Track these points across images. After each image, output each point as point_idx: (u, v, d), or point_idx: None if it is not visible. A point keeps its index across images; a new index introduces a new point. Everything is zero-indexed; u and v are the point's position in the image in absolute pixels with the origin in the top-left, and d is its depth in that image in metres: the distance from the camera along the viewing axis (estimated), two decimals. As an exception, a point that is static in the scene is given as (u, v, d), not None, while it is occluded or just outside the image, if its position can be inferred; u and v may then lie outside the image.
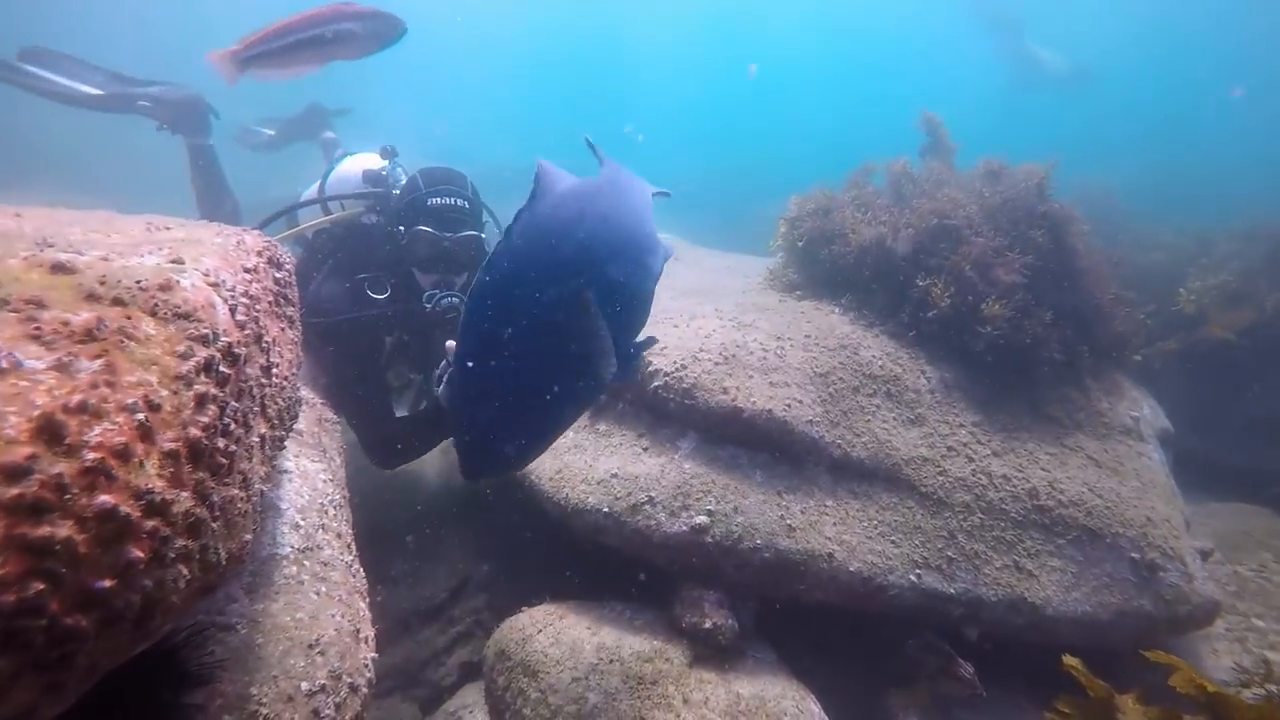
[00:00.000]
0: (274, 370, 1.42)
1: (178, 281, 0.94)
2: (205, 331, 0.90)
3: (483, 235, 3.30)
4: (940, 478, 3.00)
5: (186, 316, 0.89)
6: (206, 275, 1.03)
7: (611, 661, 2.45)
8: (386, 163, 3.63)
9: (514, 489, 3.33)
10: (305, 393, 3.06)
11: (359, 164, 3.72)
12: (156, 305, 0.87)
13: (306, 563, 1.94)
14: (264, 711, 1.45)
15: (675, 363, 2.93)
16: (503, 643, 2.65)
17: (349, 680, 1.67)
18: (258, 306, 1.28)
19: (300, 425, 2.69)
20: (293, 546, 1.94)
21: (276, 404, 1.42)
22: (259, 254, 1.53)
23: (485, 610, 3.45)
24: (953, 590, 2.74)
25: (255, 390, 1.20)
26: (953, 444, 3.13)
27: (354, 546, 2.32)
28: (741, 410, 2.77)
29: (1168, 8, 21.50)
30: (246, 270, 1.23)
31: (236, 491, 0.98)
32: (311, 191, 3.86)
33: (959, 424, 3.22)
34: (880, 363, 3.25)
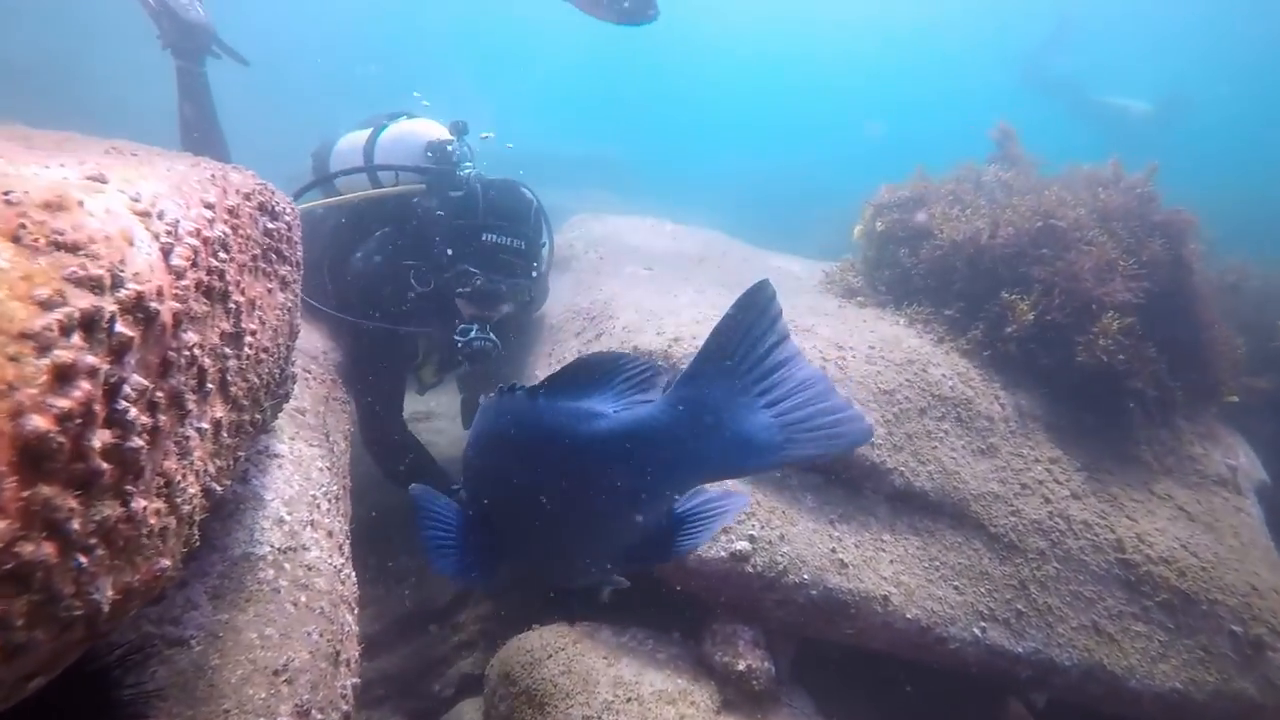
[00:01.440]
0: (247, 339, 1.13)
1: (80, 202, 0.65)
2: (98, 273, 0.61)
3: (528, 284, 3.07)
4: (1012, 518, 2.64)
5: (73, 249, 0.60)
6: (135, 201, 0.74)
7: (629, 700, 2.15)
8: (455, 139, 3.26)
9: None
10: (313, 366, 2.81)
11: (420, 131, 3.38)
12: (25, 227, 0.58)
13: (287, 565, 1.66)
14: (206, 758, 1.17)
15: (723, 365, 2.61)
16: (508, 664, 2.36)
17: (319, 717, 1.39)
18: (226, 256, 1.00)
19: (304, 403, 2.43)
20: (272, 545, 1.66)
21: (248, 381, 1.14)
22: (245, 195, 1.25)
23: (492, 619, 3.17)
24: (1021, 649, 2.39)
25: (207, 364, 0.91)
26: (1027, 481, 2.77)
27: (348, 547, 2.05)
28: (795, 425, 2.45)
29: (1230, 36, 20.62)
30: (210, 206, 0.94)
31: (145, 504, 0.69)
32: (354, 149, 3.55)
33: (1034, 459, 2.86)
34: (950, 383, 2.90)
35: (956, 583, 2.46)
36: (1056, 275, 3.02)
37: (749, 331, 1.34)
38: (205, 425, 0.92)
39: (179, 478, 0.79)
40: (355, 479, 3.79)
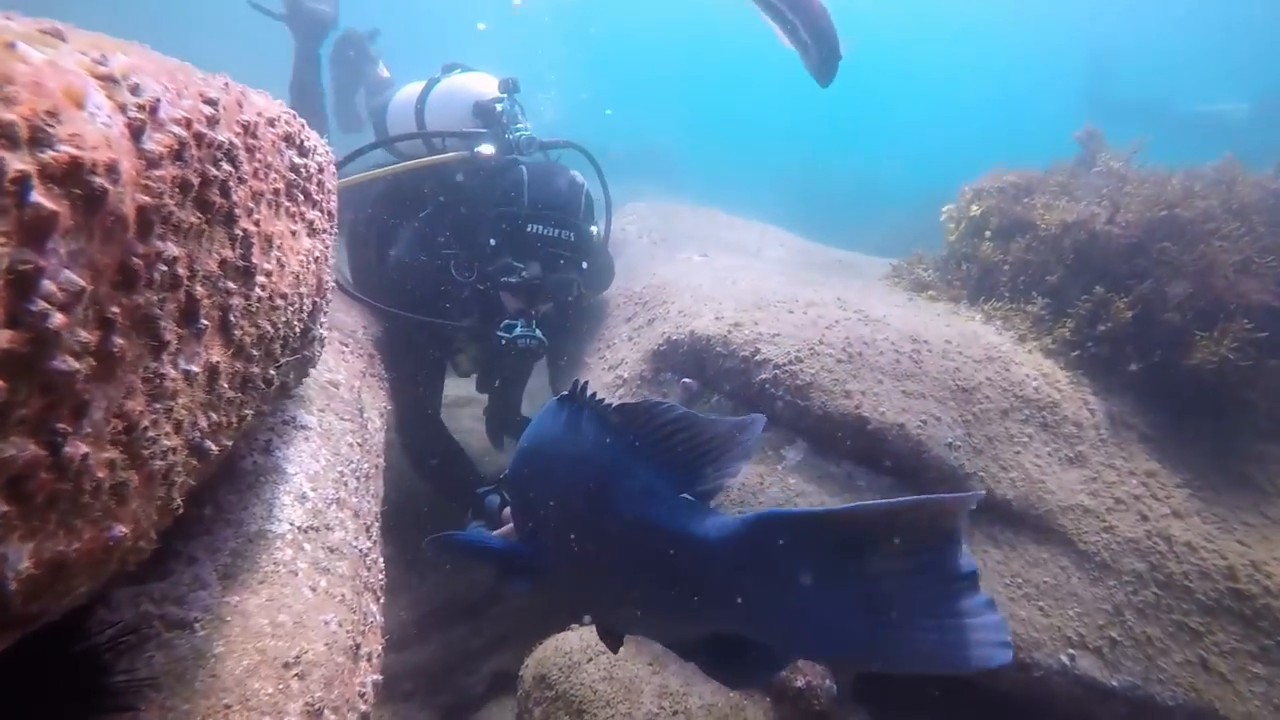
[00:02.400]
0: (259, 279, 0.97)
1: (10, 44, 0.48)
2: (7, 118, 0.43)
3: (574, 279, 2.89)
4: (1105, 535, 2.37)
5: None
6: (98, 64, 0.58)
7: (675, 713, 1.96)
8: (505, 98, 3.07)
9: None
10: (350, 340, 2.68)
11: (470, 88, 3.21)
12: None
13: (307, 546, 1.51)
14: (199, 760, 1.02)
15: (789, 354, 2.40)
16: (544, 665, 2.19)
17: (332, 717, 1.23)
18: (232, 171, 0.83)
19: (338, 375, 2.30)
20: (293, 523, 1.51)
21: (258, 328, 0.97)
22: (268, 120, 1.09)
23: (529, 614, 3.01)
24: (1115, 683, 2.12)
25: (200, 293, 0.75)
26: (1121, 495, 2.49)
27: (376, 530, 1.89)
28: (867, 421, 2.22)
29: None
30: (212, 103, 0.77)
31: (87, 451, 0.52)
32: (406, 106, 3.40)
33: (1129, 471, 2.58)
34: (1035, 384, 2.63)
35: (1041, 603, 2.20)
36: (1181, 271, 2.71)
37: (927, 543, 1.02)
38: (195, 369, 0.76)
39: (147, 424, 0.63)
40: (393, 464, 3.70)
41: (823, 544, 1.08)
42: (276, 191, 1.11)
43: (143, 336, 0.63)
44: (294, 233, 1.19)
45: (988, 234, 3.29)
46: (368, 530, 1.77)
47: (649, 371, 2.86)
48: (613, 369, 3.07)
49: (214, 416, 0.83)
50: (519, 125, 3.03)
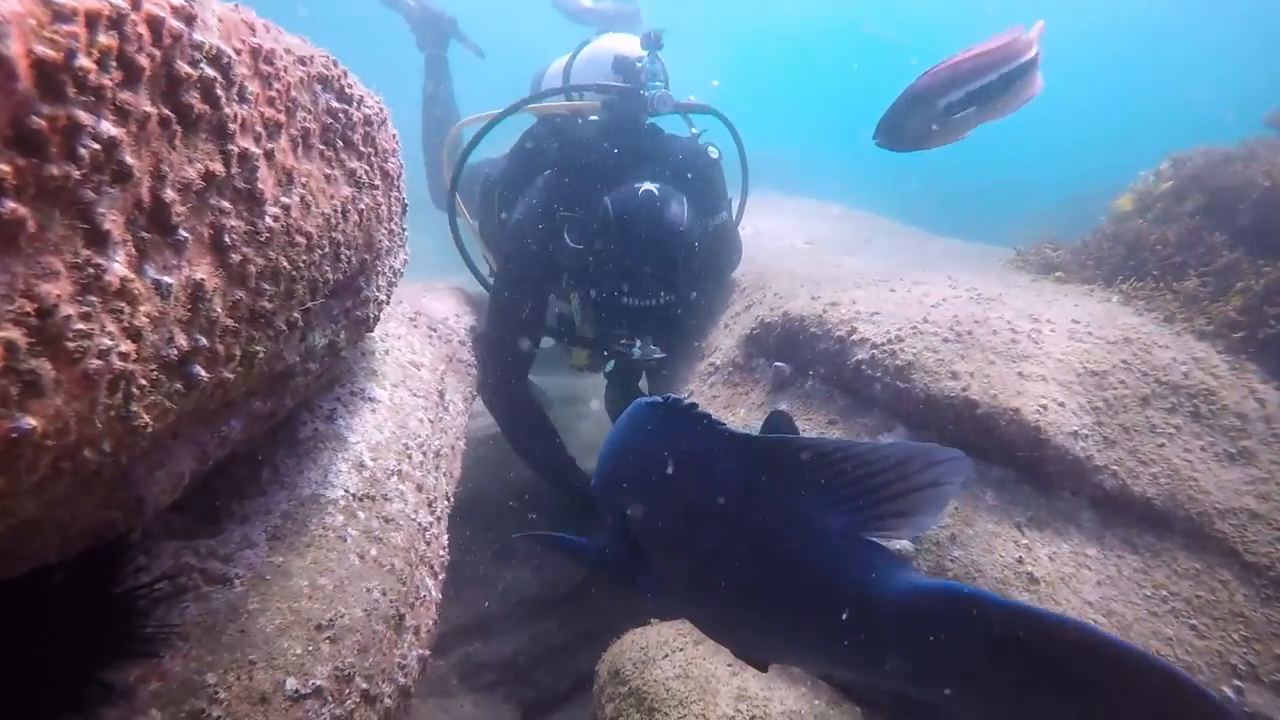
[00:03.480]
0: (270, 209, 0.93)
1: None
2: None
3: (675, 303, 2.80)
4: (1279, 547, 1.99)
5: None
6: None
7: (753, 718, 1.79)
8: (645, 54, 3.00)
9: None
10: (440, 326, 2.70)
11: (613, 46, 3.19)
12: None
13: (361, 514, 1.48)
14: (215, 713, 0.98)
15: (888, 333, 2.18)
16: (619, 660, 2.08)
17: (363, 685, 1.17)
18: (223, 80, 0.79)
19: (422, 358, 2.30)
20: (346, 490, 1.49)
21: (267, 259, 0.93)
22: (298, 58, 1.06)
23: (616, 612, 2.91)
24: (1290, 728, 1.76)
25: (171, 197, 0.70)
26: (1301, 499, 2.10)
27: (443, 508, 1.86)
28: (976, 404, 1.98)
29: None
30: (253, 29, 0.73)
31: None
32: (557, 71, 3.46)
33: (1311, 471, 2.17)
34: (1184, 369, 2.27)
35: (1194, 622, 1.87)
36: None
37: None
38: (169, 280, 0.71)
39: (73, 314, 0.57)
40: (492, 455, 3.72)
41: (1034, 652, 0.92)
42: (306, 131, 1.08)
43: (68, 217, 0.57)
44: (329, 177, 1.16)
45: (1188, 204, 2.91)
46: (430, 505, 1.73)
47: (741, 358, 2.71)
48: (705, 356, 2.94)
49: (201, 340, 0.78)
50: (657, 83, 2.96)
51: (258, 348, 0.95)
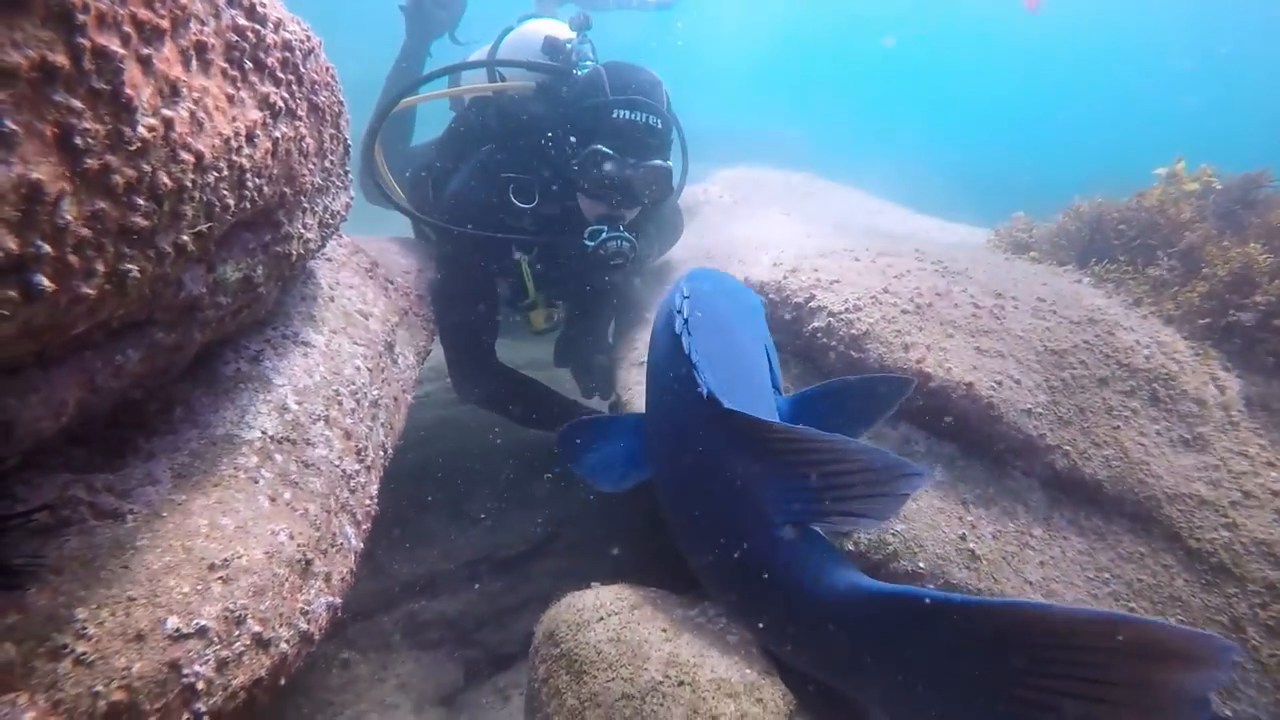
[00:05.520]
0: (146, 118, 0.87)
1: None
2: None
3: (671, 166, 2.69)
4: (1225, 533, 1.98)
5: None
6: None
7: (680, 684, 1.76)
8: (575, 35, 2.99)
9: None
10: (397, 278, 2.64)
11: (541, 30, 3.14)
12: None
13: (277, 457, 1.43)
14: (79, 649, 0.94)
15: (847, 301, 2.13)
16: (555, 622, 2.04)
17: (256, 629, 1.13)
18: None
19: (373, 308, 2.24)
20: (263, 431, 1.44)
21: (138, 171, 0.87)
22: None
23: (568, 576, 2.90)
24: (1230, 713, 1.75)
25: (53, 87, 0.64)
26: (1251, 488, 2.08)
27: (375, 457, 1.81)
28: (929, 377, 1.94)
29: None
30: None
31: None
32: (481, 52, 3.39)
33: (1265, 461, 2.15)
34: (1147, 352, 2.24)
35: (1133, 605, 1.85)
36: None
37: None
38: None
39: None
40: (432, 418, 3.69)
41: (970, 642, 0.93)
42: (202, 44, 1.02)
43: None
44: (231, 98, 1.09)
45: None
46: (359, 454, 1.69)
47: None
48: (667, 324, 2.89)
49: (44, 248, 0.73)
50: (587, 62, 2.91)
51: (130, 266, 0.89)
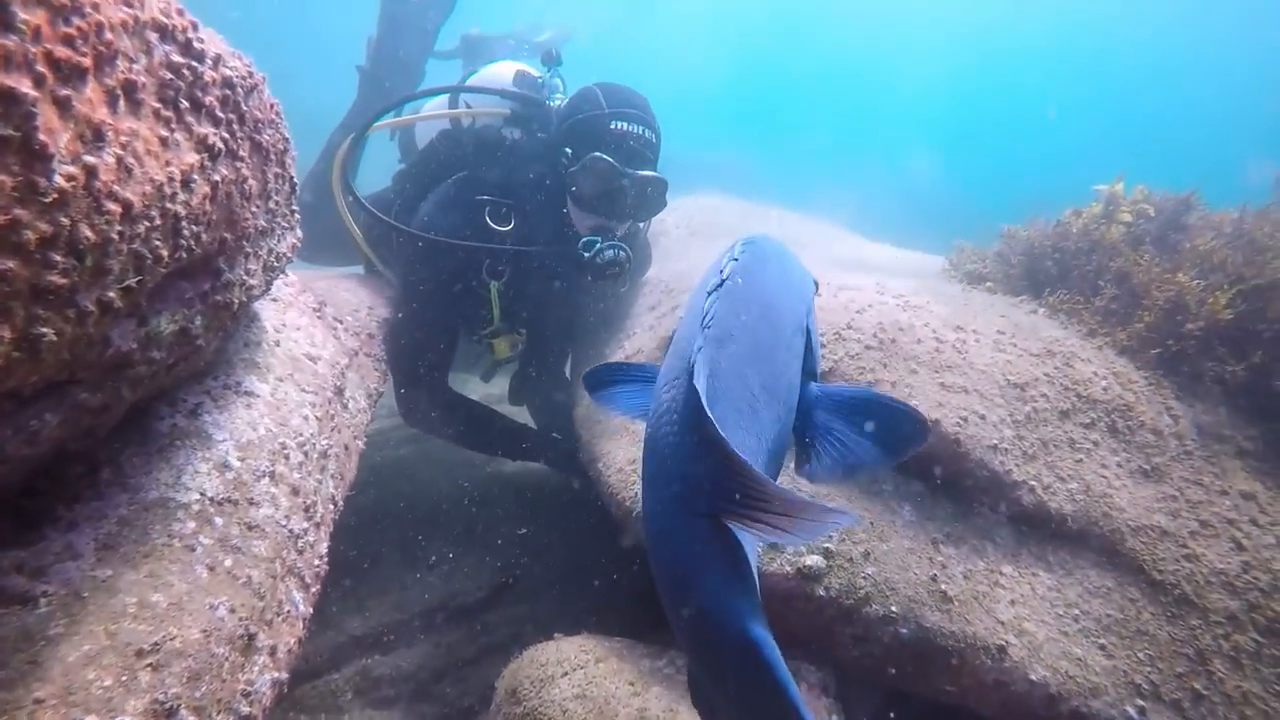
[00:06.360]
0: (65, 166, 0.79)
1: None
2: None
3: (666, 179, 2.70)
4: (1186, 564, 1.99)
5: None
6: None
7: (651, 741, 1.69)
8: (545, 70, 3.03)
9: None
10: (348, 317, 2.53)
11: (511, 65, 3.15)
12: None
13: (217, 520, 1.33)
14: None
15: (808, 338, 2.11)
16: (517, 678, 1.95)
17: (191, 719, 1.03)
18: (66, 18, 0.64)
19: (322, 351, 2.14)
20: (202, 493, 1.33)
21: (55, 225, 0.79)
22: (125, 0, 0.92)
23: (529, 623, 2.79)
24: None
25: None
26: (1209, 517, 2.11)
27: (325, 512, 1.71)
28: (894, 414, 1.92)
29: None
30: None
31: None
32: (439, 104, 3.34)
33: (1219, 490, 2.18)
34: (1104, 384, 2.27)
35: (1103, 640, 1.84)
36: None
37: None
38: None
39: None
40: (385, 459, 3.56)
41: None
42: (131, 84, 0.94)
43: None
44: (165, 140, 1.01)
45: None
46: (308, 511, 1.58)
47: (662, 358, 2.62)
48: (629, 358, 2.84)
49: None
50: (558, 94, 2.91)
51: (44, 329, 0.80)
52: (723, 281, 1.22)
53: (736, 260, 1.26)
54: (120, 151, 0.91)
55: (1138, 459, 2.16)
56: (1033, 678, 1.73)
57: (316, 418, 1.81)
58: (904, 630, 1.72)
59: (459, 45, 5.00)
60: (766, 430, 1.15)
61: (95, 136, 0.86)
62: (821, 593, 1.75)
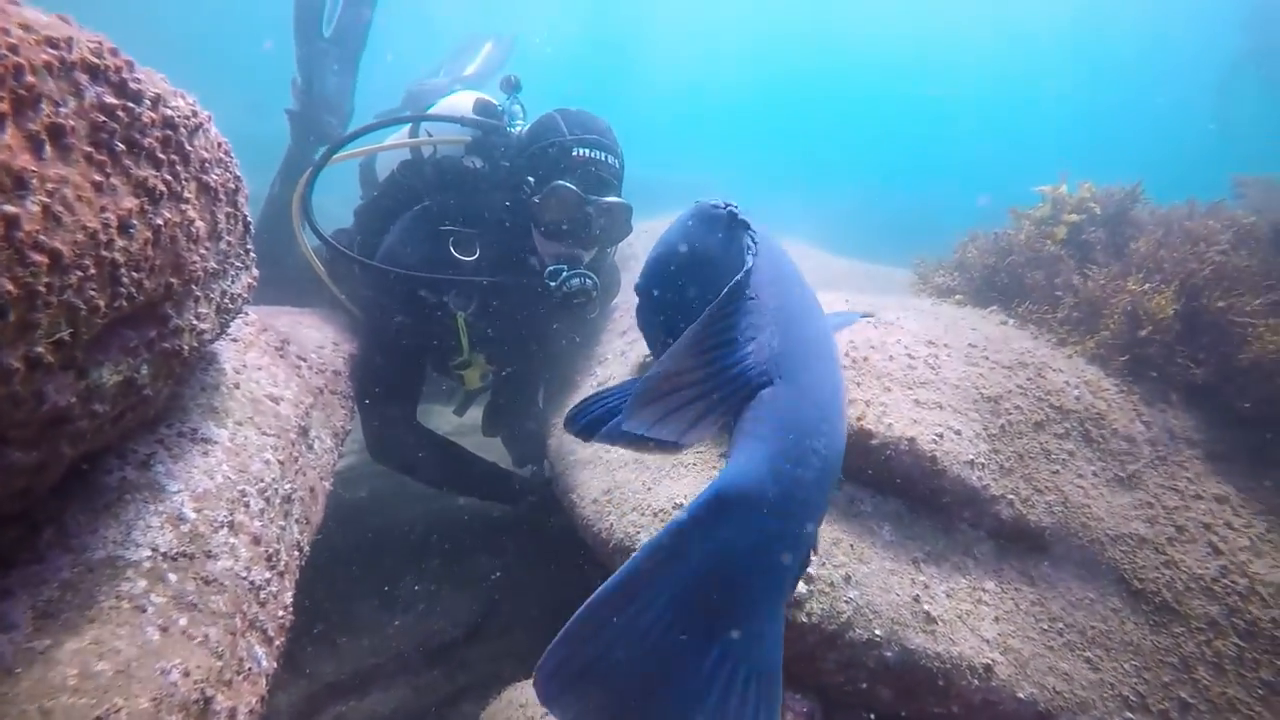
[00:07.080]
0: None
1: None
2: None
3: (630, 204, 2.70)
4: (1166, 571, 1.99)
5: None
6: None
7: (636, 783, 1.63)
8: (505, 96, 3.01)
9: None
10: (311, 355, 2.47)
11: (470, 95, 3.13)
12: None
13: (171, 577, 1.26)
14: None
15: (779, 359, 2.09)
16: (496, 720, 1.89)
17: (138, 798, 0.96)
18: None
19: (284, 391, 2.08)
20: (154, 549, 1.27)
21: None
22: (49, 40, 0.88)
23: (508, 658, 2.72)
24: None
25: None
26: (1184, 523, 2.11)
27: (289, 560, 1.64)
28: (871, 434, 1.91)
29: None
30: None
31: None
32: (403, 136, 3.32)
33: (1194, 494, 2.19)
34: (1076, 393, 2.27)
35: (1089, 654, 1.83)
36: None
37: None
38: None
39: None
40: (354, 497, 3.48)
41: None
42: (58, 128, 0.89)
43: None
44: (99, 185, 0.97)
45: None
46: (270, 560, 1.52)
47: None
48: (601, 384, 2.80)
49: None
50: (518, 121, 2.90)
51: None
52: (754, 242, 1.21)
53: (755, 234, 1.24)
54: (46, 199, 0.86)
55: (1113, 467, 2.16)
56: (1020, 695, 1.71)
57: (279, 461, 1.75)
58: (889, 653, 1.69)
59: (404, 100, 4.94)
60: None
61: (16, 184, 0.82)
62: (804, 619, 1.71)
